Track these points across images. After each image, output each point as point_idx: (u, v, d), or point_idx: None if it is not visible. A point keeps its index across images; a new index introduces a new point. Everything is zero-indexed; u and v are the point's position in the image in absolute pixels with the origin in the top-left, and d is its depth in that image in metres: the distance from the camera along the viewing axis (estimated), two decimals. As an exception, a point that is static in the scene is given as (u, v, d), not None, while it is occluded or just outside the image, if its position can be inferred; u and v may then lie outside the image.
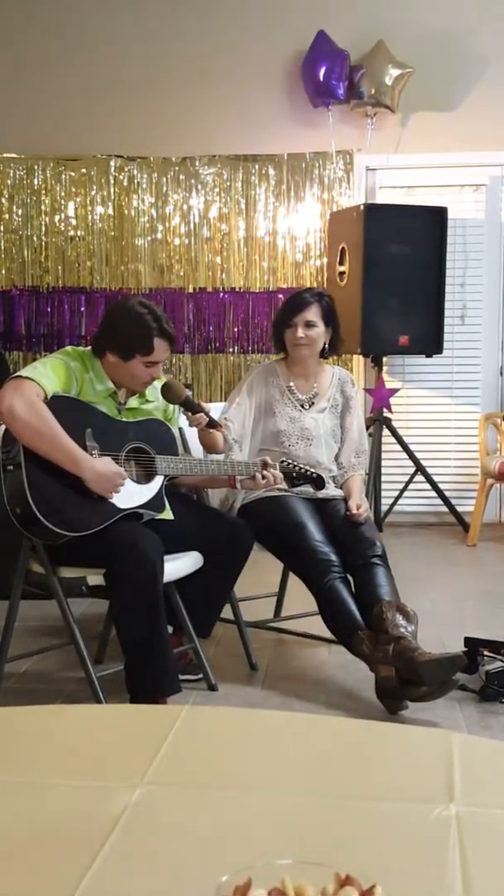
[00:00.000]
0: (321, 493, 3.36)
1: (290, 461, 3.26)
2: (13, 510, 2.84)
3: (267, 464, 3.18)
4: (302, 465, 3.27)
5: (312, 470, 3.27)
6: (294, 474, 3.23)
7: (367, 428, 5.02)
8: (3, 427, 2.91)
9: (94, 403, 2.96)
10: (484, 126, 5.75)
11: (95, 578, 2.92)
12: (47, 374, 2.86)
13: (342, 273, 5.49)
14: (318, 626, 3.40)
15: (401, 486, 5.77)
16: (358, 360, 5.87)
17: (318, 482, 3.26)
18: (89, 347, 3.09)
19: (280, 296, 5.65)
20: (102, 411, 2.97)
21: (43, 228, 5.95)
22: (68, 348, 3.08)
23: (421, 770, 1.53)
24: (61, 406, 2.83)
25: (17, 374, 2.87)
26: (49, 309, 5.97)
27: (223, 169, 5.86)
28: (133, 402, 3.11)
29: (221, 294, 5.91)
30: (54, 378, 2.87)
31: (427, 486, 5.69)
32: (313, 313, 3.45)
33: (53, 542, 2.87)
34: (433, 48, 5.71)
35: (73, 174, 5.90)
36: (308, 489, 3.33)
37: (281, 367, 3.59)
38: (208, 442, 3.25)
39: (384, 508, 5.73)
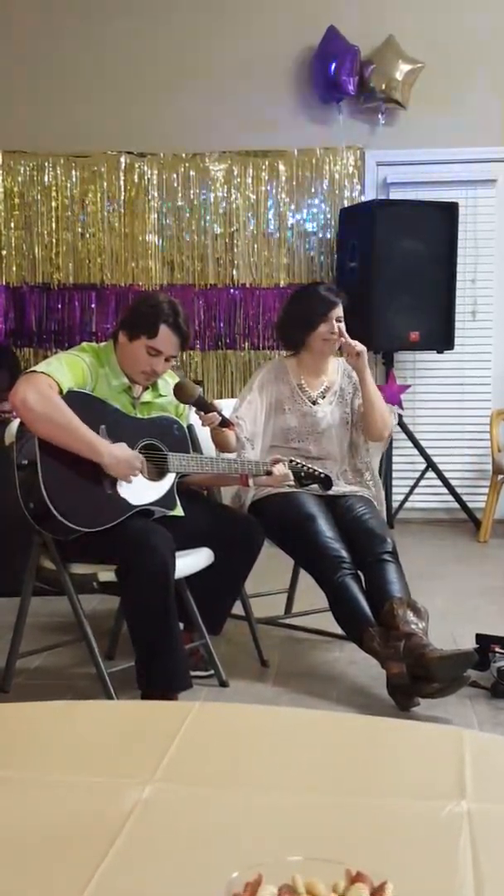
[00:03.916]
0: (332, 490, 3.35)
1: (298, 461, 3.26)
2: (27, 505, 2.86)
3: (277, 461, 3.19)
4: (310, 466, 3.26)
5: (321, 470, 3.26)
6: (302, 474, 3.22)
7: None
8: (17, 422, 2.92)
9: (108, 399, 2.97)
10: (495, 121, 5.72)
11: (106, 575, 2.92)
12: (62, 369, 2.87)
13: (352, 269, 5.48)
14: (328, 622, 3.40)
15: (412, 482, 5.76)
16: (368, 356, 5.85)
17: (326, 482, 3.25)
18: (105, 343, 3.11)
19: (290, 292, 5.63)
20: (116, 408, 2.98)
21: (53, 225, 5.95)
22: (84, 344, 3.09)
23: (432, 767, 1.53)
24: (76, 402, 2.84)
25: (32, 369, 2.88)
26: (59, 306, 5.97)
27: (233, 165, 5.85)
28: (147, 395, 3.12)
29: (231, 290, 5.90)
30: (69, 373, 2.87)
31: (438, 482, 5.69)
32: (340, 308, 3.51)
33: (65, 538, 2.87)
34: (444, 43, 5.69)
35: (83, 171, 5.90)
36: (317, 488, 3.32)
37: (291, 364, 3.58)
38: (221, 441, 3.25)
39: (395, 505, 5.72)
